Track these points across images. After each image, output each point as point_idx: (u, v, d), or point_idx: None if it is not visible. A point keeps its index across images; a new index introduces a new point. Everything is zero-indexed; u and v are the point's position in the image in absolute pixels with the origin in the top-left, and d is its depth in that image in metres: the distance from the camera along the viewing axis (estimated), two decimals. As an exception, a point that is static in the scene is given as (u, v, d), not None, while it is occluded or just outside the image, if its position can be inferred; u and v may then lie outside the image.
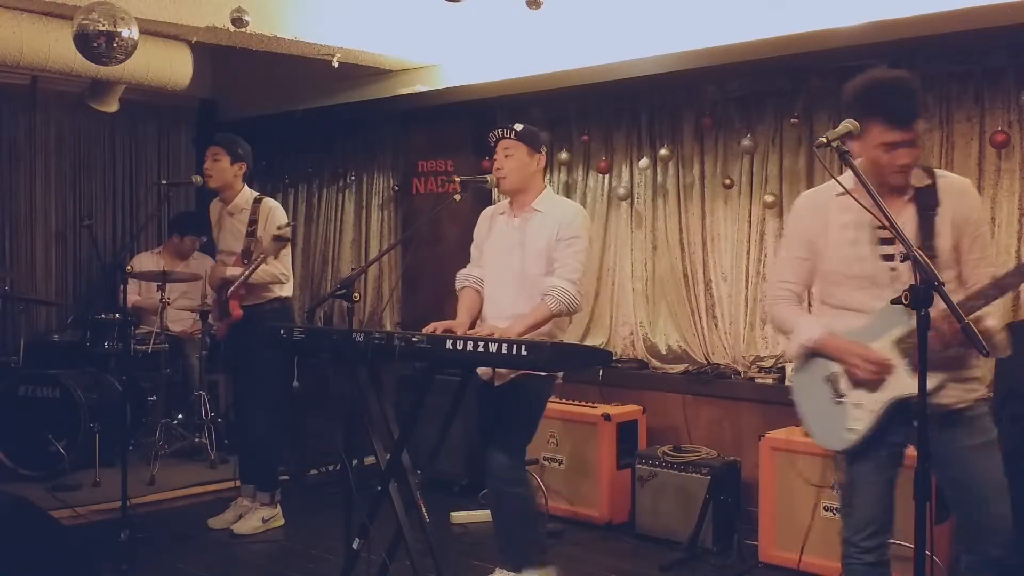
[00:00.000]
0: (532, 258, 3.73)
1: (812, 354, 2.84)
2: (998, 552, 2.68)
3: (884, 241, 2.71)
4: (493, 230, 3.92)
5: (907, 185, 2.73)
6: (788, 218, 3.21)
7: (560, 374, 3.81)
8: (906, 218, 2.70)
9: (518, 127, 3.80)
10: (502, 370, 3.68)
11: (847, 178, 2.69)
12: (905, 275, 2.62)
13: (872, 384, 2.70)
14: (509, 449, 3.72)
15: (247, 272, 4.66)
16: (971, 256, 2.74)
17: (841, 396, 2.77)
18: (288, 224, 4.77)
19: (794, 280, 2.92)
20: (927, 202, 2.71)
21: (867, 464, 2.76)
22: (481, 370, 3.76)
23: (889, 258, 2.70)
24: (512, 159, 3.76)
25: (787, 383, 4.92)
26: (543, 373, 3.65)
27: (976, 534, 2.71)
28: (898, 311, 2.55)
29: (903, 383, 2.65)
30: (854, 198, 2.55)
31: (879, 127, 2.64)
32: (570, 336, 4.59)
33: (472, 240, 4.04)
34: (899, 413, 2.68)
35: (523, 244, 3.76)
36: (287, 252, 4.83)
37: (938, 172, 2.79)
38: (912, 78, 2.72)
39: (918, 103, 2.67)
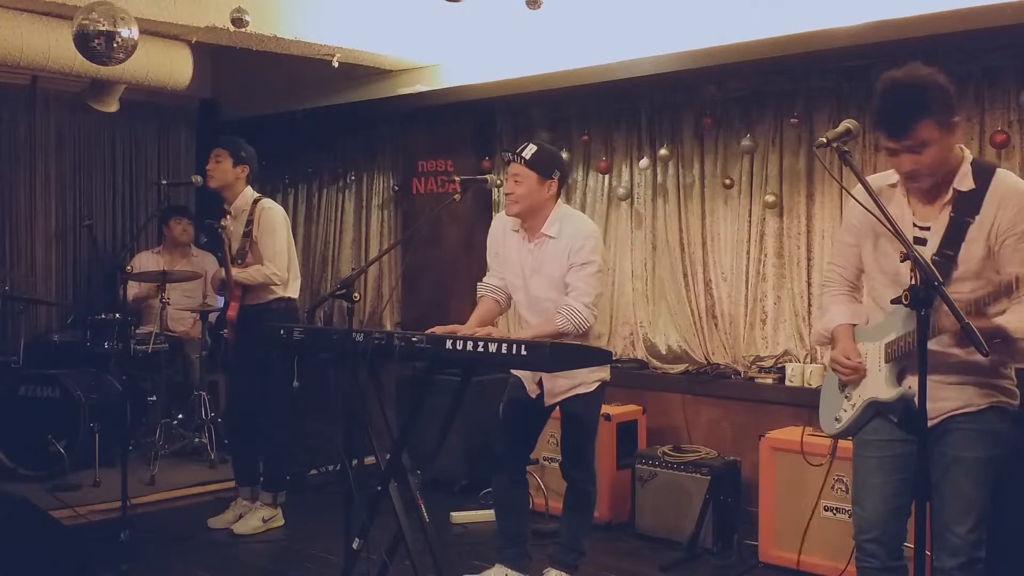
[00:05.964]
0: (549, 284, 3.75)
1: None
2: (948, 563, 2.63)
3: (916, 240, 2.64)
4: (508, 247, 3.89)
5: (932, 188, 2.62)
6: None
7: (605, 382, 3.86)
8: (940, 222, 2.63)
9: (528, 153, 3.69)
10: (554, 389, 3.76)
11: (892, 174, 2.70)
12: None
13: (851, 382, 2.81)
14: (581, 464, 3.92)
15: (225, 270, 4.73)
16: (1009, 268, 2.52)
17: (844, 387, 2.87)
18: (217, 222, 4.85)
19: (841, 264, 2.94)
20: (966, 208, 2.58)
21: (871, 462, 2.78)
22: (529, 386, 3.83)
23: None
24: (521, 186, 3.69)
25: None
26: (590, 390, 3.77)
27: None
28: (900, 314, 2.63)
29: (879, 386, 2.73)
30: (872, 196, 2.48)
31: (881, 133, 2.60)
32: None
33: (467, 245, 4.04)
34: (877, 413, 2.77)
35: (540, 271, 3.78)
36: (282, 252, 4.78)
37: (997, 174, 2.61)
38: (913, 80, 2.53)
39: (914, 110, 2.49)
